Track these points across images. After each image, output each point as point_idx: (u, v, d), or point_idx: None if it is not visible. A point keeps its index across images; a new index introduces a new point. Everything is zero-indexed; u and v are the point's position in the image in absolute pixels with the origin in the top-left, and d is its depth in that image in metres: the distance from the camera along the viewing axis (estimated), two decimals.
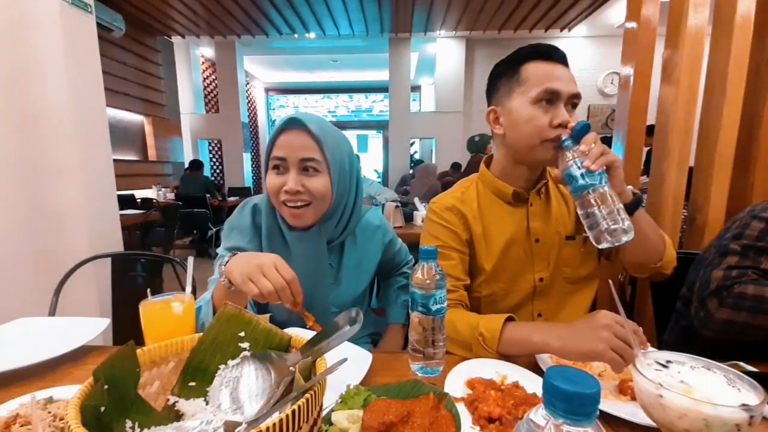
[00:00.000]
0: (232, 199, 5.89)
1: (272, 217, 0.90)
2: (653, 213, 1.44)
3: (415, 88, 9.48)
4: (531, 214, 0.90)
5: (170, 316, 0.65)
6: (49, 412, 0.55)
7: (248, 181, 7.60)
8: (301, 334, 0.46)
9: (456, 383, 0.62)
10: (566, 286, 0.92)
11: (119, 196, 1.96)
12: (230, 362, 0.43)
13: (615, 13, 5.83)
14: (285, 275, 0.68)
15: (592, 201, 0.68)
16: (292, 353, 0.44)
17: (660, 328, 1.17)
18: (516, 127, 0.83)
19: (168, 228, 3.93)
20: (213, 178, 7.59)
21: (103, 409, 0.33)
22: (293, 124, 0.81)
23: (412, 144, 7.80)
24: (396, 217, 2.60)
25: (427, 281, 0.63)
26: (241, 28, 6.40)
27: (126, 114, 5.63)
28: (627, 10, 1.58)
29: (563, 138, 0.75)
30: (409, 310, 0.67)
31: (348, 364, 0.38)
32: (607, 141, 1.44)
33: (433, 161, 7.49)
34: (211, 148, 7.96)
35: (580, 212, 0.70)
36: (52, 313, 1.14)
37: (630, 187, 0.78)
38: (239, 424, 0.37)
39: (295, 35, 6.67)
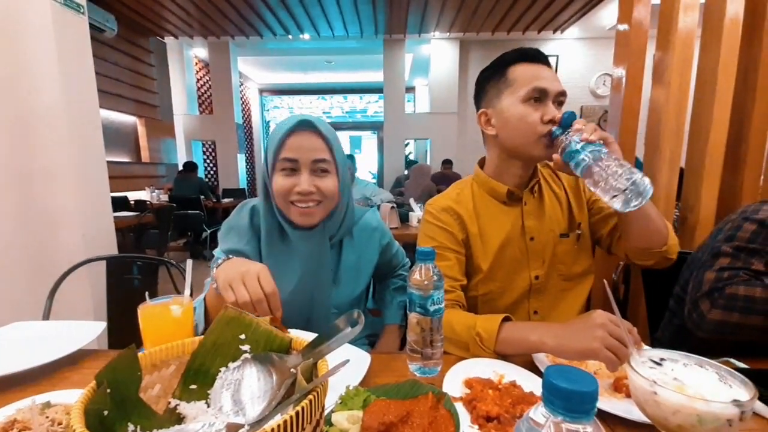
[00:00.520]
0: (226, 200, 5.86)
1: (272, 219, 0.90)
2: None
3: (410, 89, 9.51)
4: (525, 213, 0.92)
5: (169, 319, 0.65)
6: (47, 417, 0.55)
7: (243, 183, 7.57)
8: (301, 336, 0.47)
9: (454, 383, 0.63)
10: (561, 284, 0.94)
11: (112, 198, 1.95)
12: (231, 365, 0.43)
13: (607, 15, 5.90)
14: (265, 287, 0.67)
15: (603, 167, 0.67)
16: (293, 355, 0.44)
17: (653, 327, 1.18)
18: (508, 125, 0.86)
19: (162, 230, 3.90)
20: (207, 180, 7.54)
21: (106, 412, 0.33)
22: (303, 125, 0.82)
23: (406, 145, 7.82)
24: (392, 218, 2.61)
25: (425, 282, 0.63)
26: (234, 29, 6.38)
27: (118, 115, 5.58)
28: (619, 12, 1.60)
29: (554, 129, 0.79)
30: (407, 311, 0.68)
31: (347, 365, 0.38)
32: None
33: (428, 162, 7.52)
34: (204, 149, 7.92)
35: (594, 189, 0.69)
36: (46, 316, 1.12)
37: None
38: (242, 426, 0.37)
39: (290, 36, 6.66)
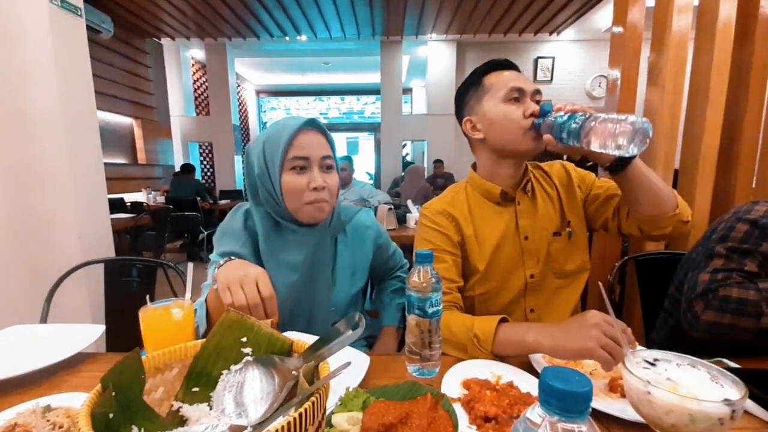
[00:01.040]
0: (223, 202, 5.84)
1: (269, 220, 0.90)
2: None
3: (407, 91, 9.53)
4: (519, 213, 0.94)
5: (170, 323, 0.66)
6: (48, 420, 0.55)
7: (239, 184, 7.54)
8: (302, 339, 0.47)
9: (452, 384, 0.63)
10: (556, 281, 0.95)
11: (108, 200, 1.94)
12: (233, 367, 0.44)
13: (602, 18, 5.94)
14: (263, 292, 0.69)
15: (598, 125, 0.67)
16: (295, 358, 0.45)
17: (648, 327, 1.20)
18: (494, 125, 0.89)
19: (159, 232, 3.89)
20: (204, 181, 7.52)
21: (111, 415, 0.34)
22: (309, 125, 0.86)
23: (403, 146, 7.83)
24: (389, 219, 2.62)
25: (424, 284, 0.64)
26: (231, 31, 6.37)
27: (114, 117, 5.55)
28: (614, 14, 1.61)
29: (536, 121, 0.83)
30: (406, 313, 0.69)
31: (347, 367, 0.39)
32: None
33: (425, 163, 7.55)
34: (201, 150, 7.89)
35: (598, 149, 0.68)
36: (44, 320, 1.12)
37: None
38: (244, 427, 0.38)
39: (287, 38, 6.66)
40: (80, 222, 1.70)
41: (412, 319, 0.67)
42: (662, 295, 1.05)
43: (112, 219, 1.96)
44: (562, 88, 7.09)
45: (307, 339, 0.48)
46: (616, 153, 0.66)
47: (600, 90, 6.98)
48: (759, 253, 0.80)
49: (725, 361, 0.71)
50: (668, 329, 1.00)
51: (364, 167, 10.06)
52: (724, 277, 0.79)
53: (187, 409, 0.42)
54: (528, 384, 0.62)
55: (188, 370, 0.45)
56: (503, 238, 0.93)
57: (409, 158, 8.87)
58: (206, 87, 7.69)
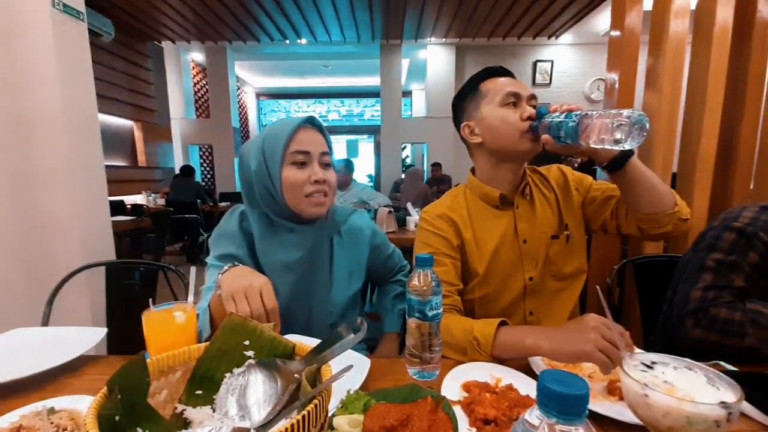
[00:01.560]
0: (223, 204, 5.84)
1: (265, 220, 0.90)
2: None
3: (407, 94, 9.55)
4: (518, 216, 0.95)
5: (173, 326, 0.66)
6: (52, 423, 0.56)
7: (239, 186, 7.54)
8: (304, 343, 0.48)
9: (452, 387, 0.64)
10: (555, 284, 0.96)
11: (109, 203, 1.94)
12: (236, 370, 0.44)
13: (601, 21, 5.97)
14: (267, 303, 0.70)
15: (595, 121, 0.68)
16: (297, 361, 0.45)
17: (647, 330, 1.20)
18: (492, 129, 0.91)
19: (159, 234, 3.89)
20: (204, 184, 7.52)
21: (117, 418, 0.34)
22: (309, 122, 0.89)
23: (403, 149, 7.85)
24: (389, 222, 2.62)
25: (424, 288, 0.65)
26: (232, 34, 6.39)
27: (115, 119, 5.57)
28: (611, 19, 1.63)
29: (533, 124, 0.85)
30: (406, 316, 0.69)
31: (349, 370, 0.40)
32: None
33: (425, 166, 7.56)
34: (201, 153, 7.90)
35: (596, 145, 0.69)
36: (45, 323, 1.13)
37: None
38: (247, 430, 0.38)
39: (287, 41, 6.68)
40: (82, 225, 1.71)
41: (412, 322, 0.67)
42: (661, 298, 1.05)
43: (112, 221, 1.96)
44: (561, 92, 7.11)
45: (309, 342, 0.48)
46: (615, 147, 0.67)
47: (598, 93, 7.00)
48: (747, 263, 0.80)
49: (722, 363, 0.71)
50: (666, 333, 1.00)
51: (363, 170, 10.08)
52: (714, 296, 0.80)
53: (190, 412, 0.43)
54: (527, 386, 0.63)
55: (192, 373, 0.46)
56: (502, 242, 0.94)
57: (408, 161, 8.89)
58: (206, 90, 7.71)
